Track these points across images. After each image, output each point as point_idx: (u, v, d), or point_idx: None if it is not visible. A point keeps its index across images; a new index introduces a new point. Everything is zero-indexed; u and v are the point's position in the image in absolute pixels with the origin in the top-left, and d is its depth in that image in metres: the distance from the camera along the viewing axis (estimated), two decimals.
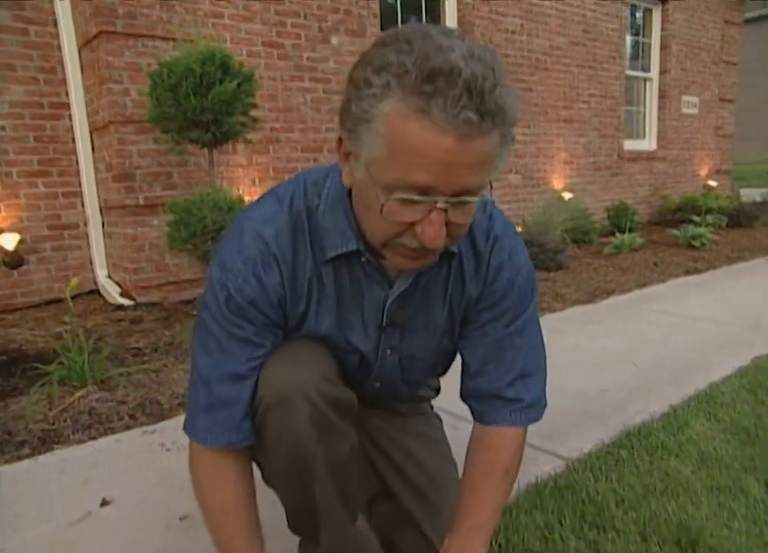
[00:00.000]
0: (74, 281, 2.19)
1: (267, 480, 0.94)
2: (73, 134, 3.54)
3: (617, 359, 2.45)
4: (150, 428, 1.88)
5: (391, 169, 0.66)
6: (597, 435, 1.74)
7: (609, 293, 3.60)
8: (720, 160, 7.99)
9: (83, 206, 3.65)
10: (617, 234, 5.04)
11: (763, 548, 1.26)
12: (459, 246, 0.89)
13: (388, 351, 0.95)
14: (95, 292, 3.75)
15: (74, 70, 3.42)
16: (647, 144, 7.05)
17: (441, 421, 1.26)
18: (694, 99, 7.33)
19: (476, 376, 0.97)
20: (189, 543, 1.30)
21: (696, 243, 4.90)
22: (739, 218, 6.23)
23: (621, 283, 3.86)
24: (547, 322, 2.79)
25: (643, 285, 3.84)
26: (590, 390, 2.10)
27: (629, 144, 6.70)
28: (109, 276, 3.71)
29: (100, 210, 3.65)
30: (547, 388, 1.02)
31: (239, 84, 2.69)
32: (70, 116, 3.51)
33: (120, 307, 3.40)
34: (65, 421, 1.91)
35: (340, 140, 0.74)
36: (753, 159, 16.71)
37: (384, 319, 0.90)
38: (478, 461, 0.97)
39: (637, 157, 6.73)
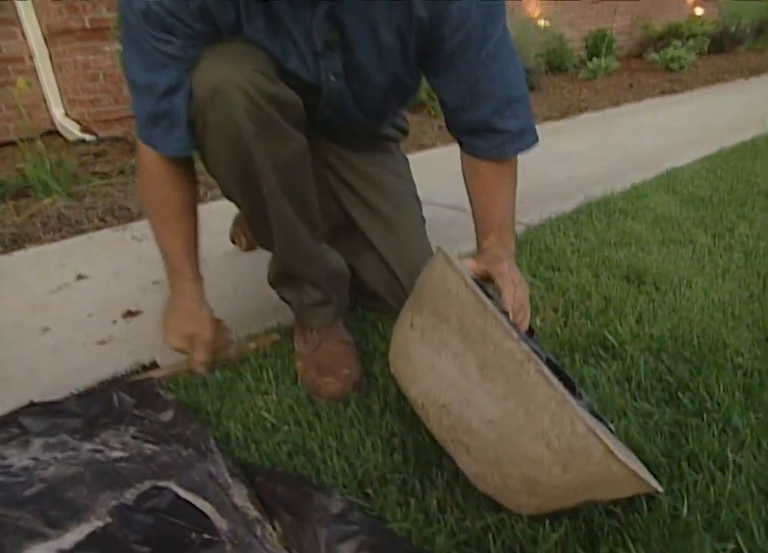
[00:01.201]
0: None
1: (224, 191, 0.95)
2: None
3: (586, 157, 2.47)
4: (120, 227, 1.90)
5: None
6: (559, 208, 1.79)
7: (582, 111, 3.55)
8: None
9: (24, 36, 3.39)
10: (593, 59, 4.86)
11: (701, 276, 1.35)
12: None
13: (332, 77, 0.91)
14: (54, 132, 3.60)
15: None
16: None
17: (407, 162, 1.26)
18: None
19: (460, 112, 0.94)
20: (164, 299, 1.36)
21: (675, 66, 4.76)
22: (723, 42, 6.01)
23: (594, 102, 3.80)
24: None
25: (617, 103, 3.78)
26: (557, 178, 2.13)
27: None
28: (66, 115, 3.55)
29: (45, 40, 3.40)
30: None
31: None
32: None
33: (83, 142, 3.30)
34: (34, 225, 1.92)
35: None
36: None
37: (318, 42, 0.86)
38: (480, 174, 0.97)
39: None
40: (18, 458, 0.79)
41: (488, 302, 0.71)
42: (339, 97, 0.96)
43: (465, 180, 1.01)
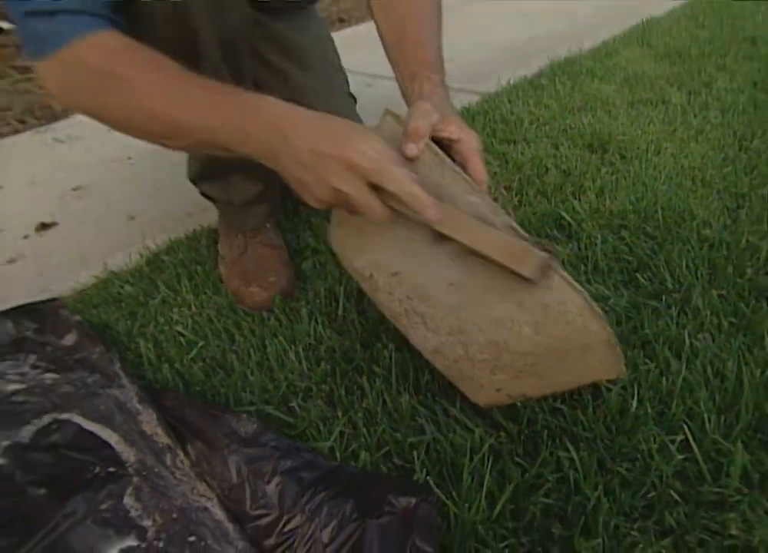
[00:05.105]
0: None
1: None
2: None
3: (550, 12, 2.22)
4: (42, 128, 1.71)
5: None
6: (519, 73, 1.61)
7: None
8: None
9: None
10: None
11: (672, 141, 1.23)
12: None
13: None
14: None
15: None
16: None
17: (326, 25, 1.09)
18: None
19: None
20: (83, 207, 1.23)
21: None
22: None
23: None
24: None
25: None
26: (518, 40, 1.92)
27: None
28: None
29: None
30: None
31: None
32: None
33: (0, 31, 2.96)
34: None
35: None
36: None
37: None
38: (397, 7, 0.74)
39: None
40: None
41: (446, 158, 0.59)
42: None
43: (374, 18, 0.77)
